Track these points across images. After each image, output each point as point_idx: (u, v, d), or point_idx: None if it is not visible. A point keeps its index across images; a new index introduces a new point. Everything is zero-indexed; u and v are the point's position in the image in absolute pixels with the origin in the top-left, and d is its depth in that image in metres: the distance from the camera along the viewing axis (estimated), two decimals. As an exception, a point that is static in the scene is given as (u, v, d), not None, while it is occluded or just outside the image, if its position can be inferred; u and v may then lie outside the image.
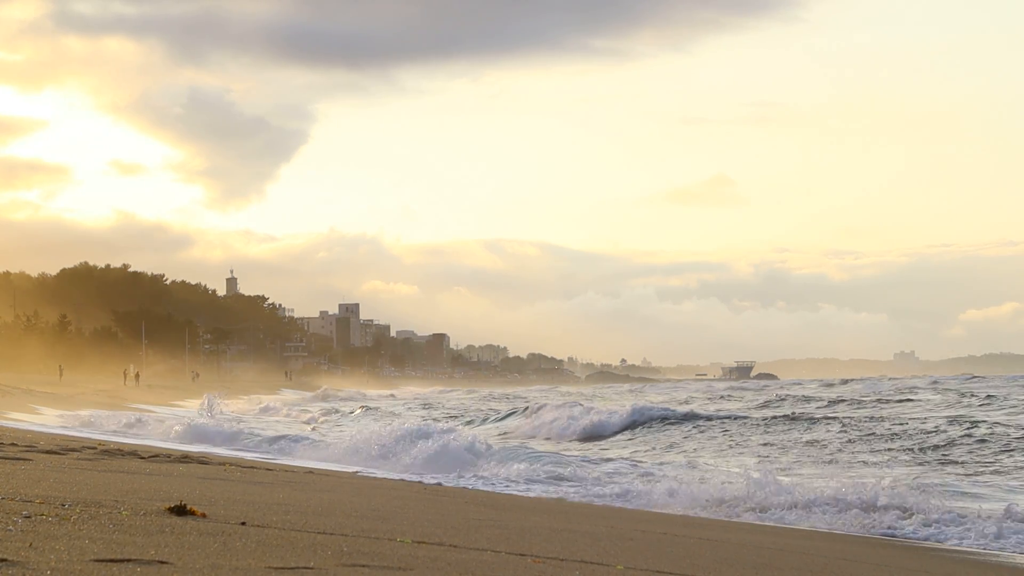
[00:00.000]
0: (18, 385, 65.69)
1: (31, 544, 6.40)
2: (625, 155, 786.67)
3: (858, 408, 47.81)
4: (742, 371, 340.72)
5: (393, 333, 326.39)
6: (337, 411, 62.06)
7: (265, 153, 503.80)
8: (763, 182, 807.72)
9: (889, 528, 15.42)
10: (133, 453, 17.62)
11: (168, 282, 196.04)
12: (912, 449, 28.74)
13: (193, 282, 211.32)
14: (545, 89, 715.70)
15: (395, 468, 23.26)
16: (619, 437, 37.46)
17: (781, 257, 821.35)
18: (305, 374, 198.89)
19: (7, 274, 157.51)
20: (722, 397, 75.95)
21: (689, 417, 40.90)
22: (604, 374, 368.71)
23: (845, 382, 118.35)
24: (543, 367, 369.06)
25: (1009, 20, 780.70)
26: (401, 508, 11.84)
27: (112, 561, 6.09)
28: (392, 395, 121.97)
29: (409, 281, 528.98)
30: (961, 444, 28.92)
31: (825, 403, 53.78)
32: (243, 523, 8.44)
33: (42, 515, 7.70)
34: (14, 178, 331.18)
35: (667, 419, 40.34)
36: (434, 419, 49.47)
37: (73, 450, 16.87)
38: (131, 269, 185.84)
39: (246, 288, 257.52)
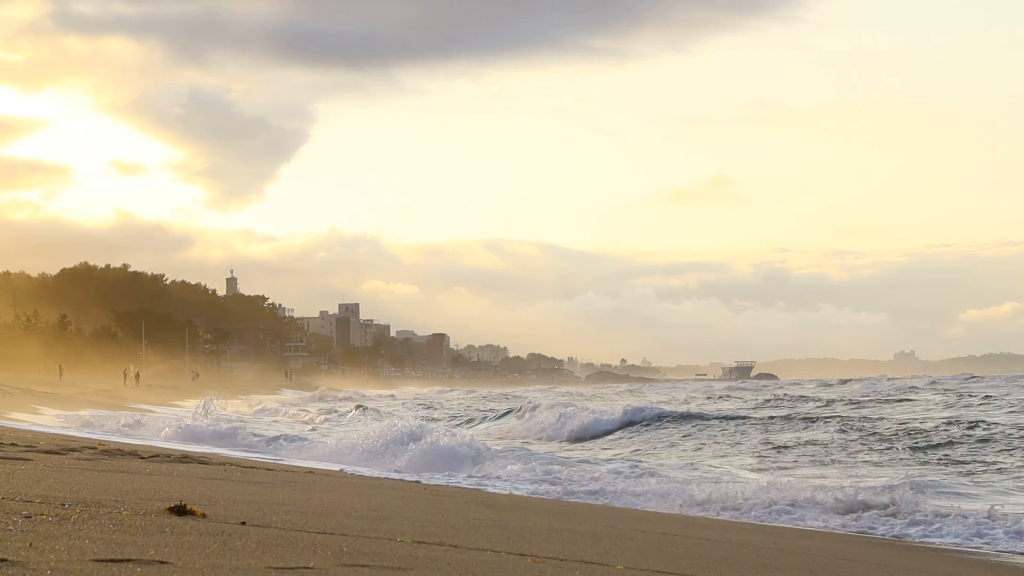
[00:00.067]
0: (18, 385, 65.68)
1: (31, 544, 6.40)
2: (625, 155, 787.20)
3: (855, 408, 47.81)
4: (742, 371, 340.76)
5: (393, 333, 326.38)
6: (335, 411, 62.04)
7: (265, 153, 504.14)
8: (763, 182, 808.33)
9: (871, 527, 15.48)
10: (133, 453, 17.62)
11: (168, 282, 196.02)
12: (905, 449, 28.78)
13: (193, 282, 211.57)
14: (545, 89, 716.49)
15: (384, 468, 23.27)
16: (610, 437, 37.46)
17: (781, 257, 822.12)
18: (305, 374, 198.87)
19: (7, 274, 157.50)
20: (720, 397, 75.91)
21: (685, 417, 40.81)
22: (604, 374, 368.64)
23: (844, 382, 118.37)
24: (543, 367, 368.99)
25: (1009, 20, 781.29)
26: (401, 508, 11.85)
27: (112, 561, 6.09)
28: (392, 395, 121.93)
29: (409, 281, 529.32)
30: (954, 444, 28.98)
31: (822, 403, 53.81)
32: (243, 523, 8.44)
33: (42, 515, 7.70)
34: (14, 178, 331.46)
35: (661, 419, 40.26)
36: (424, 419, 49.62)
37: (73, 450, 16.87)
38: (131, 269, 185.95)
39: (246, 288, 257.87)
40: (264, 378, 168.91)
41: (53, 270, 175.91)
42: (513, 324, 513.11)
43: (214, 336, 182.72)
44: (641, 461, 27.15)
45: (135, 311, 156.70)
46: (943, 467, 25.04)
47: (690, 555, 10.04)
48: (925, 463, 26.10)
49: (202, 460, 17.44)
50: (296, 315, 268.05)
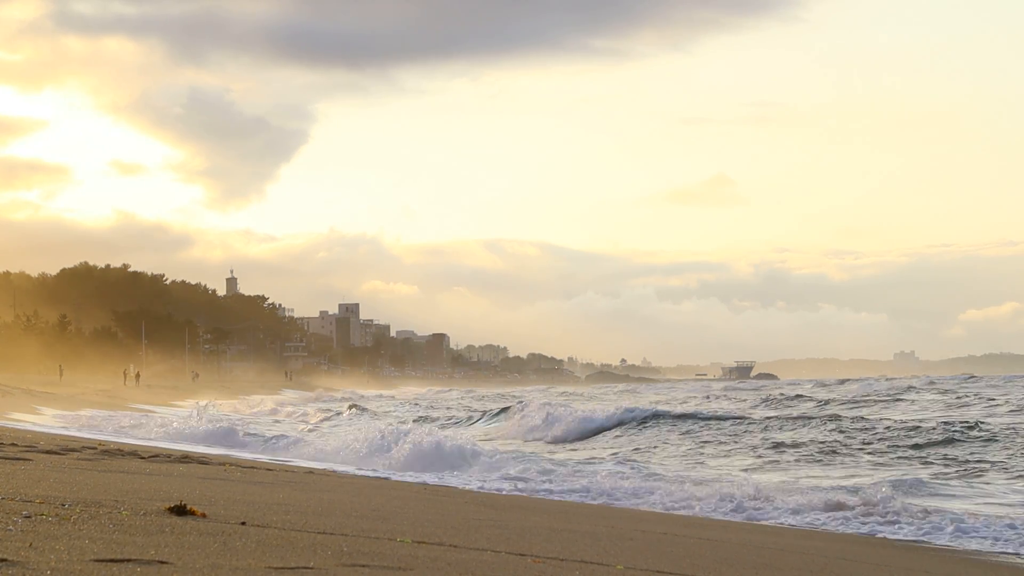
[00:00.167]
0: (18, 385, 65.69)
1: (31, 544, 6.40)
2: (625, 155, 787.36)
3: (849, 408, 47.80)
4: (742, 371, 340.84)
5: (393, 333, 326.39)
6: (332, 411, 62.04)
7: (265, 153, 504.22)
8: (763, 182, 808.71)
9: (849, 526, 15.60)
10: (133, 453, 17.62)
11: (168, 282, 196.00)
12: (894, 449, 28.80)
13: (193, 282, 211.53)
14: (545, 89, 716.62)
15: (369, 468, 23.37)
16: (600, 437, 37.41)
17: (781, 257, 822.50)
18: (305, 374, 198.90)
19: (7, 274, 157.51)
20: (717, 397, 75.91)
21: (678, 417, 40.65)
22: (604, 374, 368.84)
23: (842, 382, 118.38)
24: (543, 367, 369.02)
25: (1009, 20, 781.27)
26: (401, 508, 11.85)
27: (112, 561, 6.09)
28: (392, 396, 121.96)
29: (409, 281, 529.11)
30: (943, 444, 29.01)
31: (817, 403, 53.76)
32: (243, 523, 8.44)
33: (42, 515, 7.70)
34: (14, 178, 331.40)
35: (654, 419, 40.13)
36: (419, 420, 49.71)
37: (73, 450, 16.87)
38: (131, 269, 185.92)
39: (246, 288, 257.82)
40: (264, 378, 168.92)
41: (53, 270, 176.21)
42: (513, 324, 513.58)
43: (214, 336, 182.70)
44: (631, 460, 27.19)
45: (135, 311, 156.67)
46: (930, 467, 25.05)
47: (690, 555, 10.04)
48: (911, 462, 26.12)
49: (202, 460, 17.45)
50: (296, 315, 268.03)
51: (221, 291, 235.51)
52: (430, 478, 20.74)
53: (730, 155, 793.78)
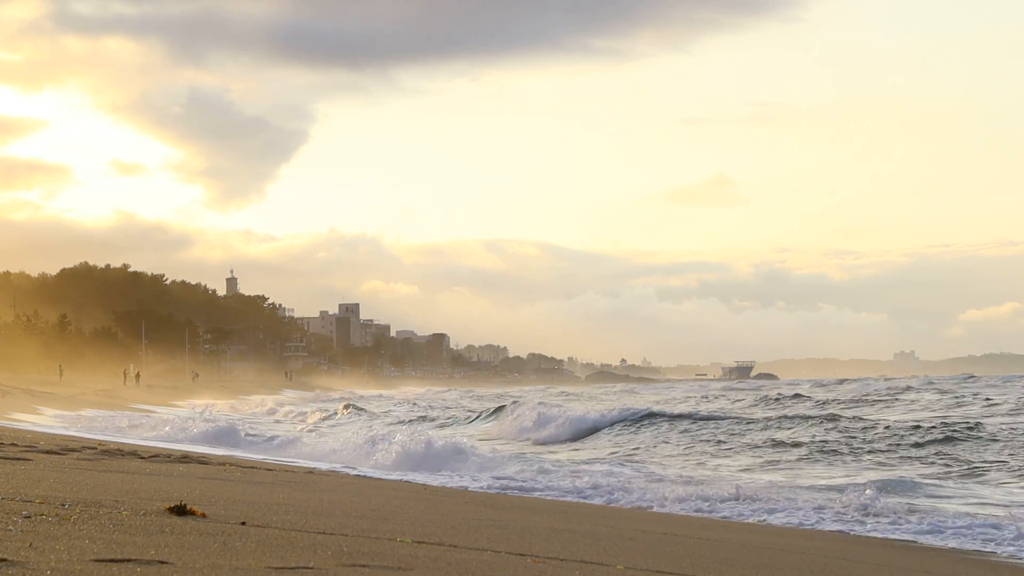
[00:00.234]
0: (18, 385, 65.69)
1: (31, 544, 6.40)
2: (625, 155, 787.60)
3: (846, 408, 47.80)
4: (742, 371, 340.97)
5: (393, 333, 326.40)
6: (330, 411, 62.04)
7: (265, 153, 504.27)
8: (763, 182, 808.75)
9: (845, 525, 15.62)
10: (133, 453, 17.62)
11: (168, 282, 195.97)
12: (893, 448, 28.80)
13: (193, 282, 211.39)
14: (545, 89, 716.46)
15: (360, 468, 23.45)
16: (593, 438, 37.36)
17: (781, 257, 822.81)
18: (305, 374, 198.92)
19: (7, 274, 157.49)
20: (716, 397, 75.89)
21: (674, 417, 40.52)
22: (604, 374, 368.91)
23: (841, 382, 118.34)
24: (543, 367, 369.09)
25: (1009, 20, 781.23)
26: (401, 508, 11.85)
27: (112, 561, 6.09)
28: (391, 396, 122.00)
29: (409, 281, 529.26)
30: (947, 443, 29.00)
31: (815, 403, 53.74)
32: (243, 523, 8.44)
33: (42, 515, 7.70)
34: (14, 178, 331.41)
35: (649, 419, 40.05)
36: (415, 419, 49.72)
37: (73, 450, 16.87)
38: (131, 269, 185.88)
39: (246, 288, 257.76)
40: (264, 378, 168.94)
41: (53, 270, 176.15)
42: (513, 324, 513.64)
43: (214, 336, 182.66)
44: (629, 461, 27.18)
45: (135, 311, 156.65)
46: (929, 466, 25.05)
47: (690, 555, 10.05)
48: (911, 462, 26.13)
49: (202, 460, 17.45)
50: (296, 315, 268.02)
51: (221, 291, 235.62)
52: (419, 477, 20.77)
53: (730, 155, 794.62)
